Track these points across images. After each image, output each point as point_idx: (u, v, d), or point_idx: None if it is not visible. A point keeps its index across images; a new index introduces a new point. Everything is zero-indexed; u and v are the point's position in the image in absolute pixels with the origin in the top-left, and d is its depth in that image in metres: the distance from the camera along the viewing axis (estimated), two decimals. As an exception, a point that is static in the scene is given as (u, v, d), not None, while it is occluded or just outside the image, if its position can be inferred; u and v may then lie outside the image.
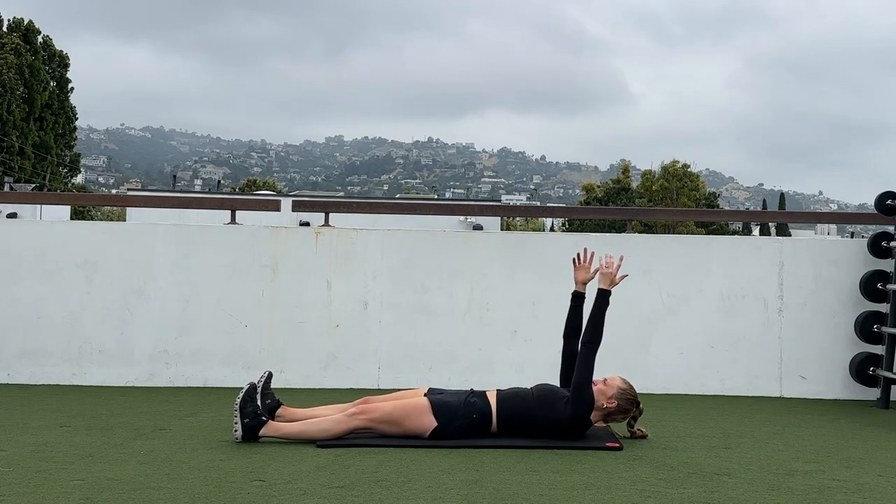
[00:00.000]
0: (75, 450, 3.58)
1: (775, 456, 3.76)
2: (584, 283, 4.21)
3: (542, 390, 3.96)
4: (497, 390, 3.99)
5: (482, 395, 3.94)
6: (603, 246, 5.86)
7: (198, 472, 3.22)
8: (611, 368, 5.66)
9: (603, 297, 3.97)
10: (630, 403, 3.99)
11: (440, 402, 3.86)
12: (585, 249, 4.29)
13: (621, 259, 4.12)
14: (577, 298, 4.21)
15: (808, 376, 5.75)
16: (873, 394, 5.51)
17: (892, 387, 5.45)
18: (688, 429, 4.38)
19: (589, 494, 2.99)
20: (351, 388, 5.50)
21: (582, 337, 3.98)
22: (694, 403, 5.29)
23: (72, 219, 22.88)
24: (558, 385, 4.08)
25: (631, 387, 4.02)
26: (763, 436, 4.25)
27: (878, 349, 5.55)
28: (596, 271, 4.13)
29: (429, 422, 3.80)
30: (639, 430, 4.06)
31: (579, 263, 4.25)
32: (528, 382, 5.65)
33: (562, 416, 3.84)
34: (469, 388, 4.05)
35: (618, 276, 4.05)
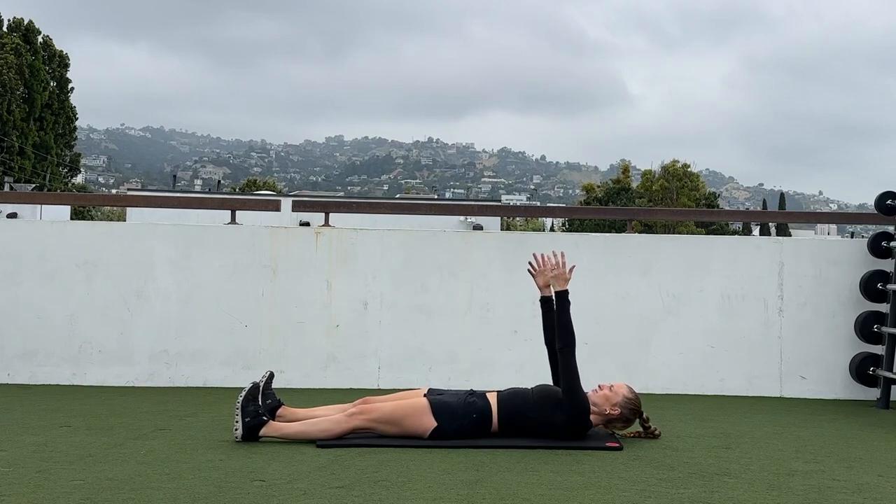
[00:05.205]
0: (75, 450, 3.58)
1: (775, 456, 3.75)
2: (548, 287, 4.16)
3: (543, 391, 3.95)
4: (497, 391, 3.98)
5: (482, 395, 3.94)
6: (603, 246, 5.89)
7: (198, 472, 3.22)
8: (611, 368, 5.71)
9: (563, 299, 3.97)
10: (633, 413, 3.98)
11: (440, 402, 3.85)
12: (537, 255, 4.22)
13: (563, 255, 4.12)
14: (547, 303, 4.18)
15: (807, 376, 5.75)
16: (873, 394, 5.51)
17: (892, 387, 5.46)
18: (688, 429, 4.37)
19: (589, 494, 2.99)
20: (351, 388, 5.50)
21: (557, 344, 3.94)
22: (694, 403, 5.29)
23: (72, 219, 22.86)
24: None
25: (637, 397, 4.01)
26: (763, 436, 4.25)
27: (878, 349, 5.55)
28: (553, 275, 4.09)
29: (429, 422, 3.80)
30: (651, 426, 4.06)
31: (536, 270, 4.20)
32: (527, 382, 5.67)
33: (559, 418, 3.84)
34: (469, 389, 4.05)
35: (568, 271, 4.06)
